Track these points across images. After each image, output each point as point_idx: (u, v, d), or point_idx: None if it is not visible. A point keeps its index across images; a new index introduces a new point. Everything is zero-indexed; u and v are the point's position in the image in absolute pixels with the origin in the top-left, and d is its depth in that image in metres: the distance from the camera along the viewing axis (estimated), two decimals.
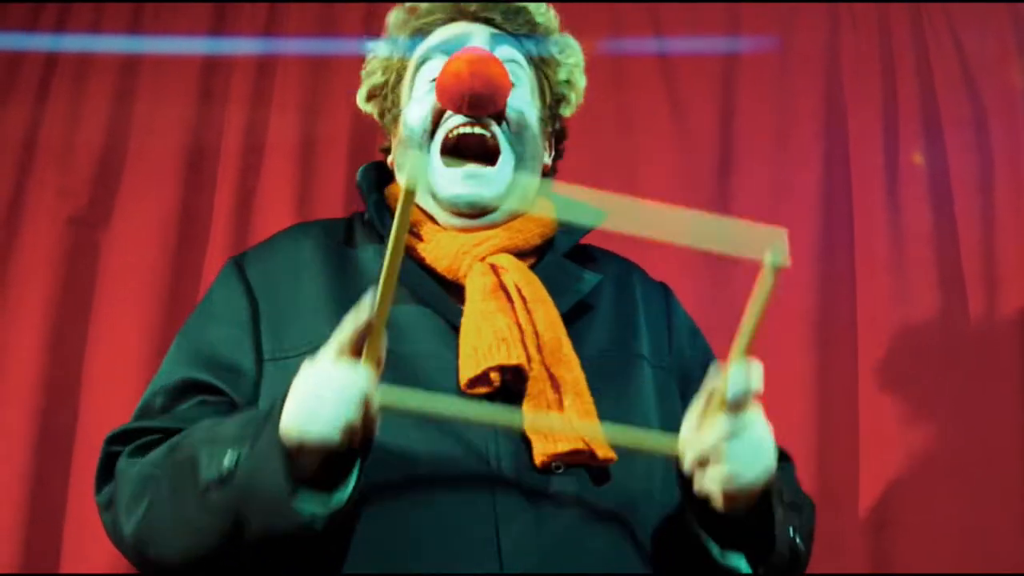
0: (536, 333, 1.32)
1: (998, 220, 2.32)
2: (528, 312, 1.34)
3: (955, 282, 2.29)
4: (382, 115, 1.58)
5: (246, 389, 1.37)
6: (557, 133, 1.60)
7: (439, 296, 1.38)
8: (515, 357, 1.28)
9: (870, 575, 2.17)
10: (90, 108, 2.51)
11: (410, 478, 1.25)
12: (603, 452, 1.27)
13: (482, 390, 1.29)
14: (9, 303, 2.39)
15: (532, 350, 1.31)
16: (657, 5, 2.52)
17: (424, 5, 1.53)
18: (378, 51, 1.58)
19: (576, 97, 1.58)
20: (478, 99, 1.38)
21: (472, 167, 1.41)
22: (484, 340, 1.29)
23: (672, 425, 1.34)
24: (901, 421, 2.20)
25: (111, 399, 2.30)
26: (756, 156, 2.41)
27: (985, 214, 2.33)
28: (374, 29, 2.49)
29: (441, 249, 1.40)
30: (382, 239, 1.42)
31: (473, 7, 1.51)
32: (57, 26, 2.58)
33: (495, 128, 1.43)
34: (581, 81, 1.58)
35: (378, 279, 1.14)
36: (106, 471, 1.36)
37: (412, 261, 1.40)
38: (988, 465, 2.17)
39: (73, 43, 2.57)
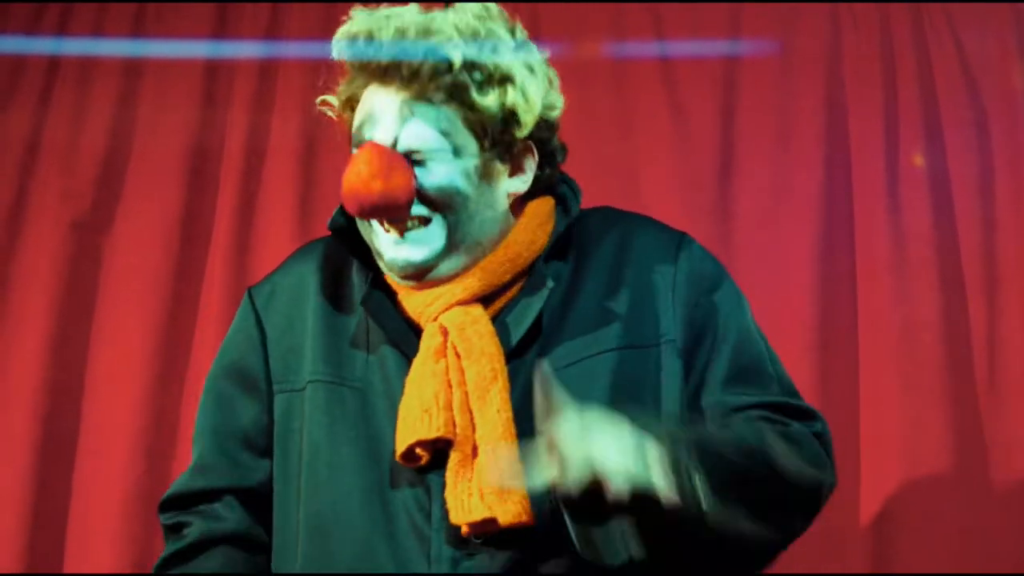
0: (465, 394, 1.32)
1: (999, 221, 2.32)
2: (461, 371, 1.34)
3: (956, 283, 2.29)
4: None
5: (257, 419, 1.48)
6: (534, 150, 1.47)
7: (410, 342, 1.40)
8: (434, 430, 1.30)
9: (870, 575, 2.17)
10: (93, 111, 2.51)
11: (348, 551, 1.33)
12: (507, 519, 1.26)
13: (413, 465, 1.33)
14: (12, 306, 2.39)
15: (459, 414, 1.32)
16: (657, 7, 2.52)
17: (349, 66, 1.48)
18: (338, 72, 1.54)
19: (528, 116, 1.42)
20: (379, 213, 1.38)
21: (396, 236, 1.39)
22: (412, 412, 1.32)
23: (635, 405, 1.33)
24: (902, 422, 2.20)
25: (114, 402, 2.32)
26: (757, 158, 2.41)
27: (986, 215, 2.33)
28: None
29: (406, 308, 1.43)
30: (368, 268, 1.46)
31: (381, 74, 1.41)
32: (59, 29, 2.58)
33: (417, 210, 1.38)
34: (516, 96, 1.40)
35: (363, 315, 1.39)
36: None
37: (395, 310, 1.43)
38: (989, 466, 2.18)
39: (75, 46, 2.58)
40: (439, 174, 1.38)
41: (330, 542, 1.34)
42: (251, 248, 2.41)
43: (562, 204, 1.51)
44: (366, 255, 1.48)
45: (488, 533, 1.28)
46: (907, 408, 2.20)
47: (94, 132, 2.49)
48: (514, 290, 1.43)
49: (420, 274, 1.40)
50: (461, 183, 1.39)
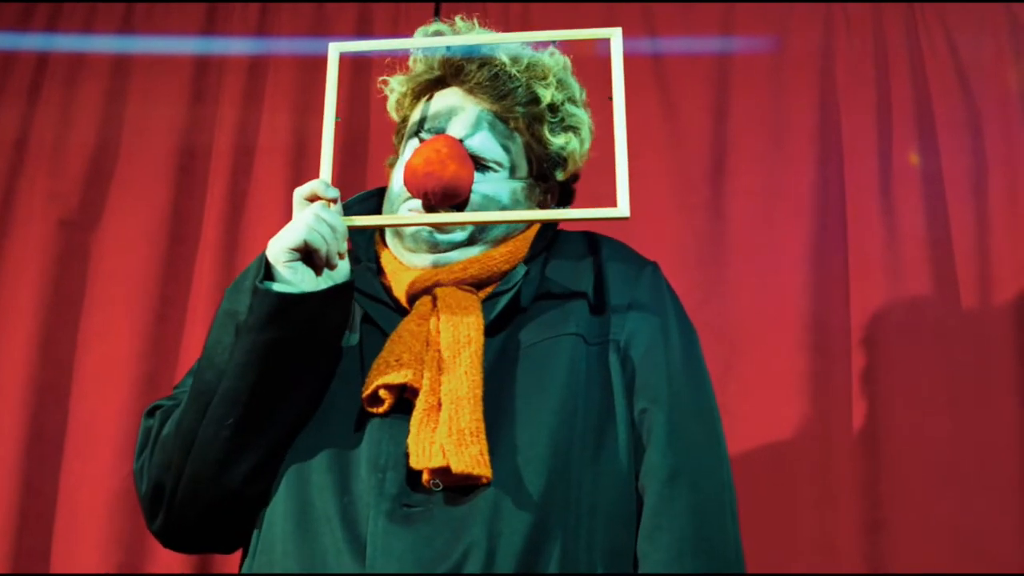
0: (439, 352, 1.39)
1: (992, 222, 2.32)
2: (439, 333, 1.41)
3: (949, 284, 2.28)
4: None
5: None
6: (558, 190, 1.64)
7: (389, 318, 1.47)
8: (401, 377, 1.36)
9: (866, 575, 2.16)
10: (81, 109, 2.50)
11: (303, 481, 1.37)
12: (460, 467, 1.30)
13: (378, 409, 1.38)
14: None
15: (429, 369, 1.38)
16: (650, 6, 2.51)
17: (433, 62, 1.58)
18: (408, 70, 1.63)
19: (573, 164, 1.62)
20: (432, 197, 1.47)
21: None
22: (383, 361, 1.39)
23: (580, 392, 1.41)
24: (895, 423, 2.20)
25: (101, 401, 2.30)
26: (749, 157, 2.40)
27: (979, 216, 2.32)
28: (366, 30, 2.52)
29: (399, 283, 1.50)
30: (372, 272, 1.55)
31: (469, 84, 1.55)
32: (48, 26, 2.58)
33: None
34: (577, 146, 1.61)
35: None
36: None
37: (382, 286, 1.52)
38: (983, 466, 2.17)
39: (65, 43, 2.56)
40: (491, 185, 1.52)
41: (309, 488, 1.37)
42: (240, 247, 2.39)
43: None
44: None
45: (446, 482, 1.32)
46: (901, 409, 2.20)
47: (82, 129, 2.48)
48: (493, 286, 1.51)
49: (442, 249, 1.50)
50: (507, 199, 1.54)
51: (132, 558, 2.20)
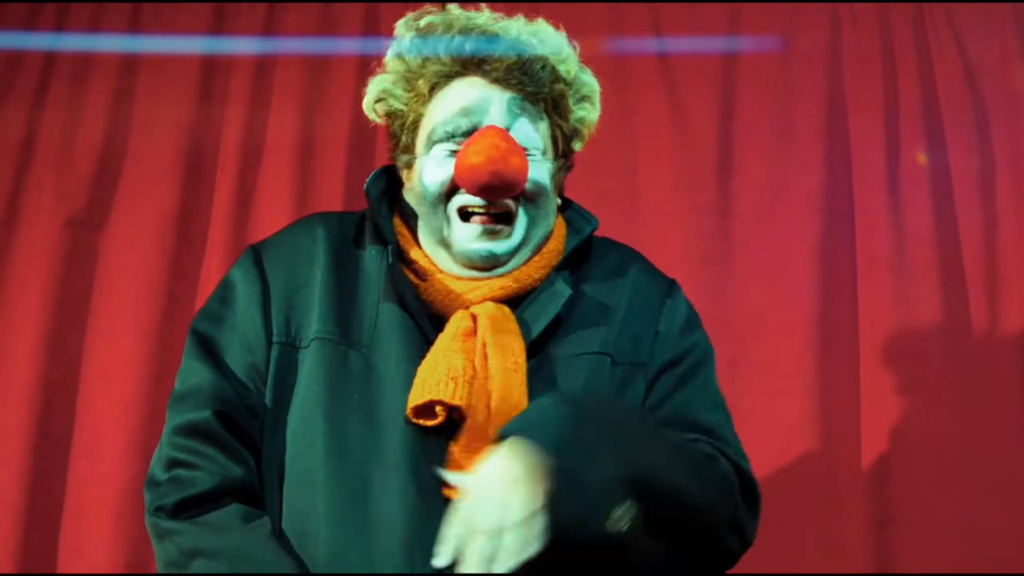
0: (487, 377, 1.39)
1: (1000, 221, 2.32)
2: (485, 357, 1.40)
3: (957, 283, 2.28)
4: (395, 133, 1.59)
5: (258, 362, 1.46)
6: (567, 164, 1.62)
7: (425, 319, 1.45)
8: (459, 398, 1.36)
9: (873, 575, 2.16)
10: (89, 108, 2.50)
11: (337, 504, 1.35)
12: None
13: (426, 421, 1.37)
14: (7, 304, 2.38)
15: (479, 396, 1.37)
16: (657, 5, 2.51)
17: (447, 56, 1.52)
18: (398, 63, 1.57)
19: (588, 132, 1.60)
20: (495, 191, 1.43)
21: (488, 225, 1.47)
22: (435, 375, 1.37)
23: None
24: (903, 421, 2.20)
25: (109, 401, 2.30)
26: (757, 156, 2.40)
27: (987, 215, 2.32)
28: (373, 29, 2.52)
29: (435, 293, 1.47)
30: (386, 244, 1.49)
31: (495, 74, 1.49)
32: (56, 26, 2.58)
33: (510, 201, 1.47)
34: (593, 115, 1.58)
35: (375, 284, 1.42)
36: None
37: (413, 294, 1.47)
38: (990, 465, 2.17)
39: (72, 43, 2.57)
40: (536, 168, 1.48)
41: (317, 493, 1.36)
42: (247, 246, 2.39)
43: (570, 224, 1.59)
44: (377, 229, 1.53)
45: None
46: (909, 407, 2.20)
47: (90, 129, 2.48)
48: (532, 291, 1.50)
49: (494, 265, 1.48)
50: (547, 181, 1.50)
51: (139, 557, 2.21)
